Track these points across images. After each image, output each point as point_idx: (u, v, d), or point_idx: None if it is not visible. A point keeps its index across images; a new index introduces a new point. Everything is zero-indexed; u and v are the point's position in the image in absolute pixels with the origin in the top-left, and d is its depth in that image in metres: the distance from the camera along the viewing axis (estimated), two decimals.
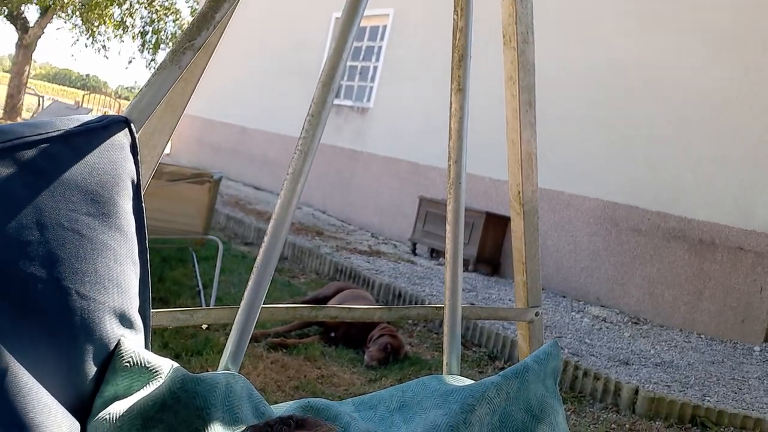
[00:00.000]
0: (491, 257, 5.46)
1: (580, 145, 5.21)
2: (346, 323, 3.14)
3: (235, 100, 9.97)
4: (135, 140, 0.70)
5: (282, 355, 2.90)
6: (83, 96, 16.17)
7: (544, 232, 5.32)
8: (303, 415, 0.67)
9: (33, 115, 11.37)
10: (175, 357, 2.64)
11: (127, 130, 0.69)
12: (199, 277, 3.66)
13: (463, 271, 5.55)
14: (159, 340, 2.77)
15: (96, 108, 14.45)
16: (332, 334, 3.14)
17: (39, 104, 12.75)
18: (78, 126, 0.64)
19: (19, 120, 12.48)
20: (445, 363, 1.01)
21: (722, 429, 2.76)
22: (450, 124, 1.02)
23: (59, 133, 0.62)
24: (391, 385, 2.77)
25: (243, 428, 0.70)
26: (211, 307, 1.00)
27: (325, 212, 7.57)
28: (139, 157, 0.71)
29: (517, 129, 1.18)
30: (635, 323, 4.47)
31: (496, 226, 5.42)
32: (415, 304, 3.90)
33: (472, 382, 0.92)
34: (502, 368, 3.23)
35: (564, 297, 5.01)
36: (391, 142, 7.06)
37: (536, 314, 1.29)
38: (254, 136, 9.34)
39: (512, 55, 1.11)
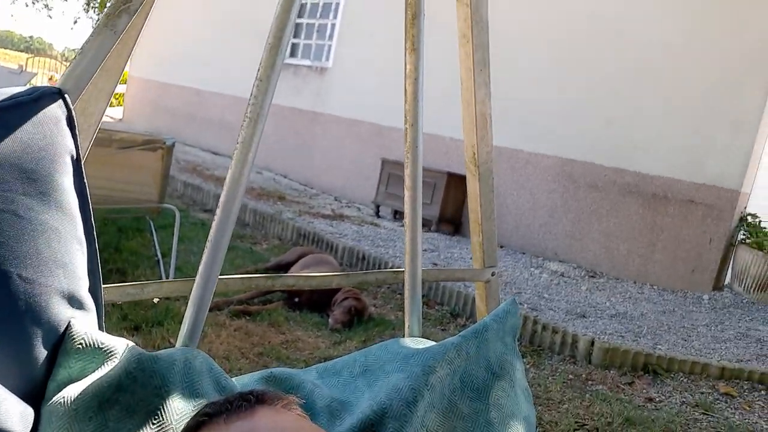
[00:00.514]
0: (453, 217, 5.52)
1: (537, 103, 5.24)
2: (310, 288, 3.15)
3: (190, 61, 9.61)
4: (71, 112, 0.66)
5: (245, 322, 2.89)
6: (27, 59, 15.30)
7: (504, 190, 5.40)
8: (263, 390, 0.66)
9: None
10: (135, 329, 2.60)
11: (61, 101, 0.65)
12: (157, 247, 3.58)
13: (426, 231, 5.58)
14: (118, 312, 2.72)
15: (41, 72, 13.72)
16: (296, 299, 3.14)
17: None
18: (6, 100, 0.60)
19: None
20: (406, 326, 1.02)
21: (672, 375, 2.91)
22: (405, 86, 1.00)
23: None
24: (356, 347, 2.80)
25: (203, 403, 0.70)
26: (162, 280, 0.98)
27: (287, 176, 7.48)
28: (77, 130, 0.67)
29: (471, 89, 1.17)
30: (592, 277, 4.62)
31: (457, 186, 5.46)
32: (379, 266, 3.93)
33: (433, 343, 0.93)
34: (464, 326, 3.31)
35: (523, 254, 5.13)
36: (352, 102, 6.96)
37: (492, 274, 1.32)
38: (210, 99, 9.06)
39: (465, 12, 1.08)
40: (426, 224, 5.43)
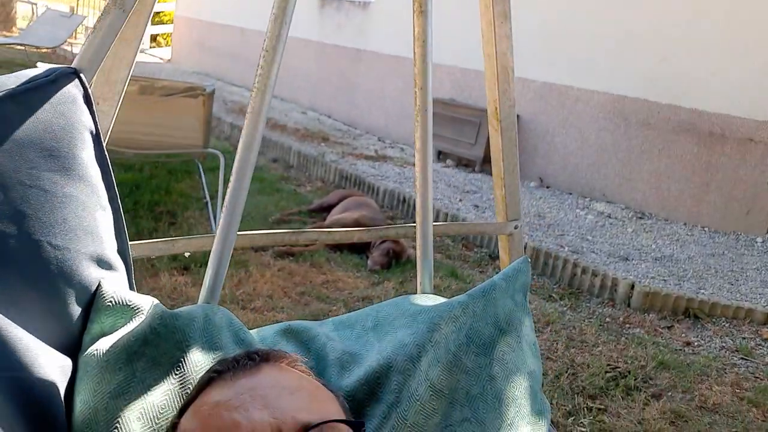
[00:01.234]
0: (485, 154, 5.44)
1: (589, 37, 4.98)
2: None
3: None
4: (87, 91, 0.70)
5: (288, 262, 3.01)
6: (77, 1, 15.53)
7: (552, 129, 5.25)
8: (268, 349, 0.72)
9: (29, 24, 11.03)
10: (185, 269, 2.76)
11: (77, 81, 0.69)
12: (205, 189, 3.72)
13: (469, 173, 5.50)
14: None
15: (93, 14, 13.93)
16: None
17: (33, 12, 12.33)
18: (25, 84, 0.64)
19: (15, 30, 12.15)
20: (418, 283, 1.06)
21: (714, 320, 2.87)
22: (414, 48, 0.99)
23: (6, 92, 0.62)
24: (394, 288, 2.87)
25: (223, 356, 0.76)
26: (189, 236, 1.04)
27: (331, 116, 7.48)
28: (94, 107, 0.71)
29: (492, 42, 1.14)
30: (640, 218, 4.52)
31: None
32: None
33: (442, 300, 0.97)
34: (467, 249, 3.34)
35: (570, 194, 5.03)
36: (395, 39, 6.80)
37: (515, 227, 1.33)
38: (254, 38, 9.02)
39: None
40: (469, 165, 5.39)
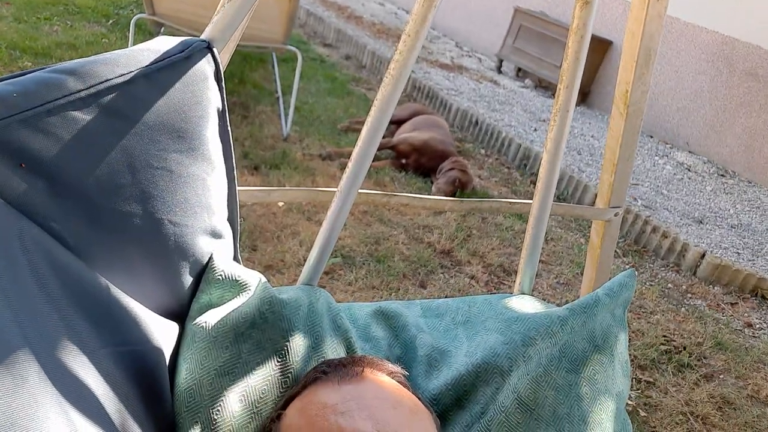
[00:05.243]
0: (583, 84, 5.09)
1: None
2: (418, 151, 3.15)
3: None
4: (218, 65, 0.65)
5: None
6: None
7: None
8: (372, 358, 0.72)
9: None
10: (255, 168, 2.78)
11: (210, 56, 0.63)
12: (278, 83, 3.66)
13: (550, 97, 5.22)
14: (239, 150, 2.89)
15: None
16: (403, 161, 3.18)
17: None
18: (160, 61, 0.59)
19: None
20: (517, 282, 1.01)
21: None
22: (568, 42, 0.87)
23: (141, 71, 0.58)
24: (455, 220, 2.83)
25: (322, 347, 0.77)
26: (286, 188, 1.02)
27: (409, 12, 7.08)
28: (222, 83, 0.66)
29: (642, 20, 1.00)
30: (722, 175, 4.25)
31: (593, 50, 4.96)
32: (491, 134, 3.81)
33: (539, 307, 0.92)
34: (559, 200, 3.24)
35: (651, 137, 4.75)
36: None
37: (615, 214, 1.25)
38: None
39: None
40: (549, 88, 5.10)
